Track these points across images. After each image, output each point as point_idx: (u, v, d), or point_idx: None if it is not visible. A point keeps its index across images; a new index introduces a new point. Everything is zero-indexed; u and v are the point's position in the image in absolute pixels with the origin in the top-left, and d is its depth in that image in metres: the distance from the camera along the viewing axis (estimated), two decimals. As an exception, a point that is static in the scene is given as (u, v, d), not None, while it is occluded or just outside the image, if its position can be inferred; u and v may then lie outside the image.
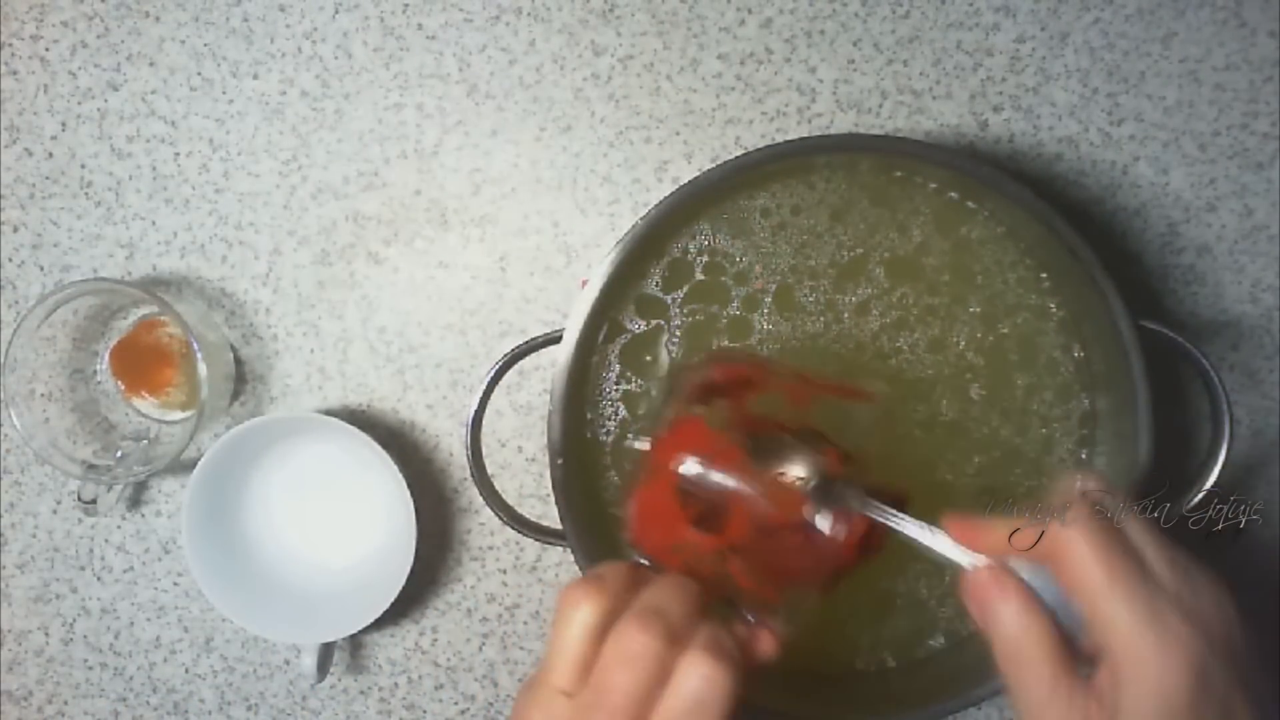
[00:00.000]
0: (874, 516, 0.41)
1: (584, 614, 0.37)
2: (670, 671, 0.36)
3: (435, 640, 0.60)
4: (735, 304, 0.52)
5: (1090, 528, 0.35)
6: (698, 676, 0.35)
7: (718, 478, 0.40)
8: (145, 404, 0.60)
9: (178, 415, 0.60)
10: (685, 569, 0.40)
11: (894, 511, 0.41)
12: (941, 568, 0.53)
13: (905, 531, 0.41)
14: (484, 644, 0.60)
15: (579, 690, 0.37)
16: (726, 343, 0.52)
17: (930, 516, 0.46)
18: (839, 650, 0.53)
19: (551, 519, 0.52)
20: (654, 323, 0.52)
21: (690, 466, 0.40)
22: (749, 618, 0.40)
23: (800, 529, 0.39)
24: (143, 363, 0.59)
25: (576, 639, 0.37)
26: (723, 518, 0.40)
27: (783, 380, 0.43)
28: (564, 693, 0.37)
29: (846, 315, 0.52)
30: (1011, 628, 0.36)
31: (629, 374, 0.52)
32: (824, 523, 0.39)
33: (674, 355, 0.52)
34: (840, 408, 0.42)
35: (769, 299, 0.52)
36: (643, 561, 0.41)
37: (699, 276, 0.52)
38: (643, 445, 0.42)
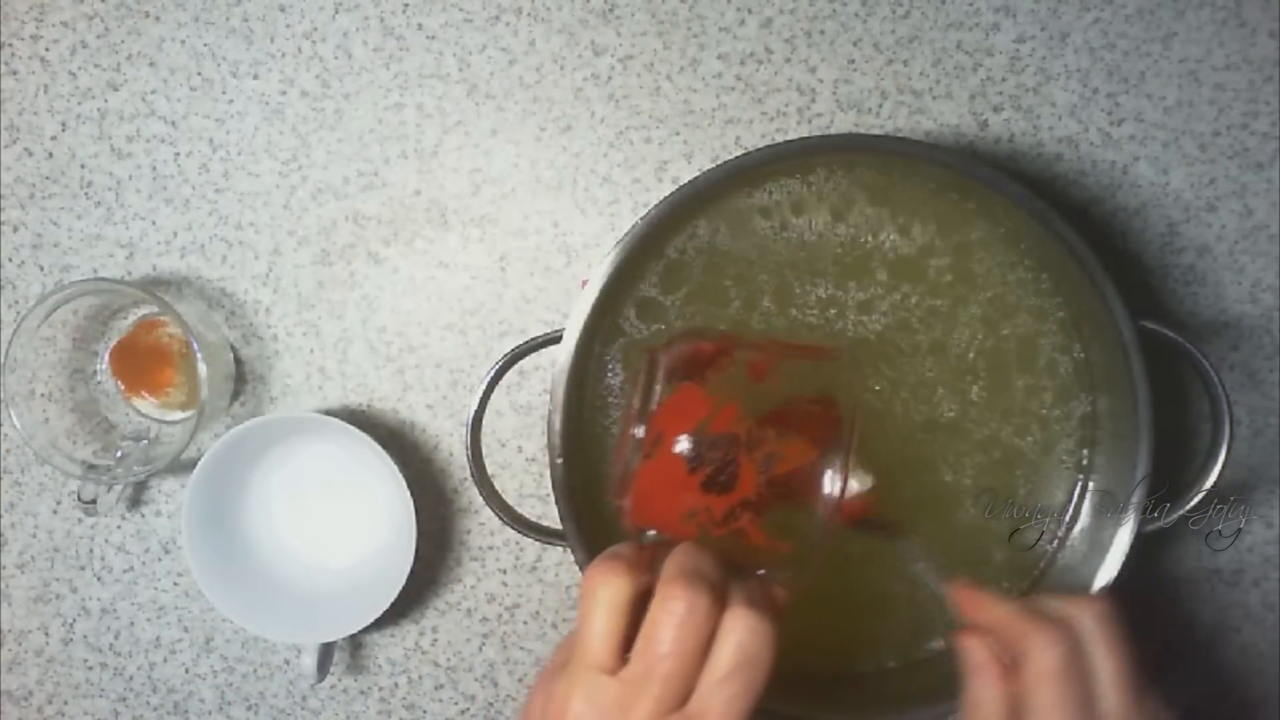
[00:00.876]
0: (902, 552, 0.45)
1: (615, 590, 0.37)
2: (714, 630, 0.36)
3: (435, 640, 0.60)
4: (735, 304, 0.52)
5: (1058, 655, 0.39)
6: (745, 630, 0.36)
7: (721, 437, 0.41)
8: (145, 404, 0.60)
9: (178, 415, 0.60)
10: (699, 535, 0.41)
11: (914, 556, 0.45)
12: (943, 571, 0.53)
13: (921, 571, 0.45)
14: (484, 644, 0.60)
15: (619, 667, 0.36)
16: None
17: (936, 530, 0.47)
18: (839, 651, 0.53)
19: (551, 519, 0.52)
20: (655, 327, 0.52)
21: (693, 432, 0.41)
22: (760, 573, 0.41)
23: (810, 473, 0.41)
24: (143, 363, 0.59)
25: (610, 617, 0.37)
26: (732, 474, 0.40)
27: (747, 350, 0.44)
28: (605, 671, 0.36)
29: (848, 315, 0.52)
30: (985, 699, 0.40)
31: (631, 370, 0.52)
32: (830, 481, 0.40)
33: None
34: (805, 369, 0.44)
35: (768, 299, 0.52)
36: (649, 534, 0.42)
37: (699, 278, 0.52)
38: (639, 432, 0.42)
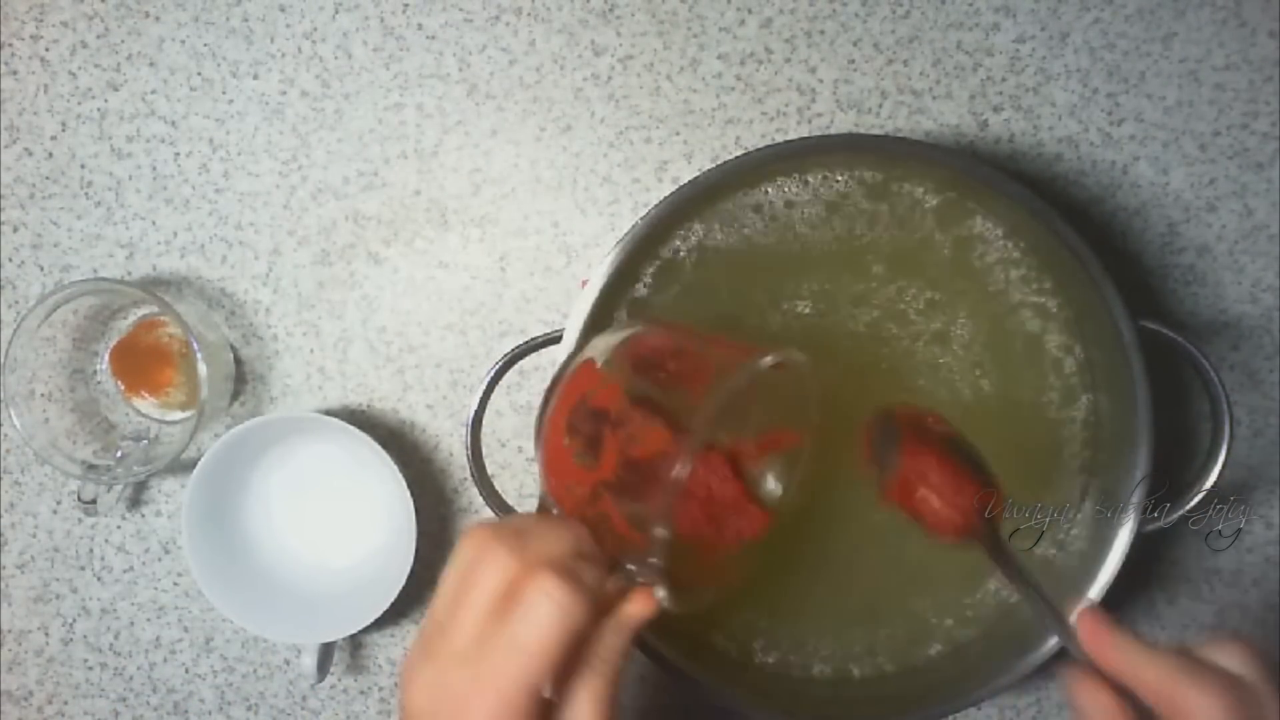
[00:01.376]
0: (1008, 576, 0.41)
1: (469, 547, 0.38)
2: (509, 577, 0.37)
3: (435, 640, 0.60)
4: (725, 299, 0.52)
5: (1226, 707, 0.34)
6: (537, 590, 0.36)
7: (594, 410, 0.40)
8: (145, 404, 0.60)
9: (178, 415, 0.60)
10: (577, 511, 0.41)
11: (1028, 574, 0.40)
12: (938, 582, 0.53)
13: (1028, 595, 0.40)
14: (484, 644, 0.60)
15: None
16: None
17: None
18: (836, 655, 0.53)
19: (551, 519, 0.52)
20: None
21: (574, 404, 0.41)
22: (632, 574, 0.40)
23: (663, 464, 0.38)
24: (143, 363, 0.59)
25: (458, 572, 0.38)
26: (596, 451, 0.40)
27: (694, 344, 0.43)
28: (438, 622, 0.38)
29: (846, 315, 0.52)
30: None
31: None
32: (680, 467, 0.37)
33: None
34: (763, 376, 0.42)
35: (761, 296, 0.52)
36: (553, 511, 0.42)
37: (689, 274, 0.52)
38: (543, 399, 0.43)
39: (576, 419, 0.40)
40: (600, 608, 0.38)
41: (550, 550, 0.38)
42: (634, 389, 0.40)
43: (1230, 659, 0.36)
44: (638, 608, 0.39)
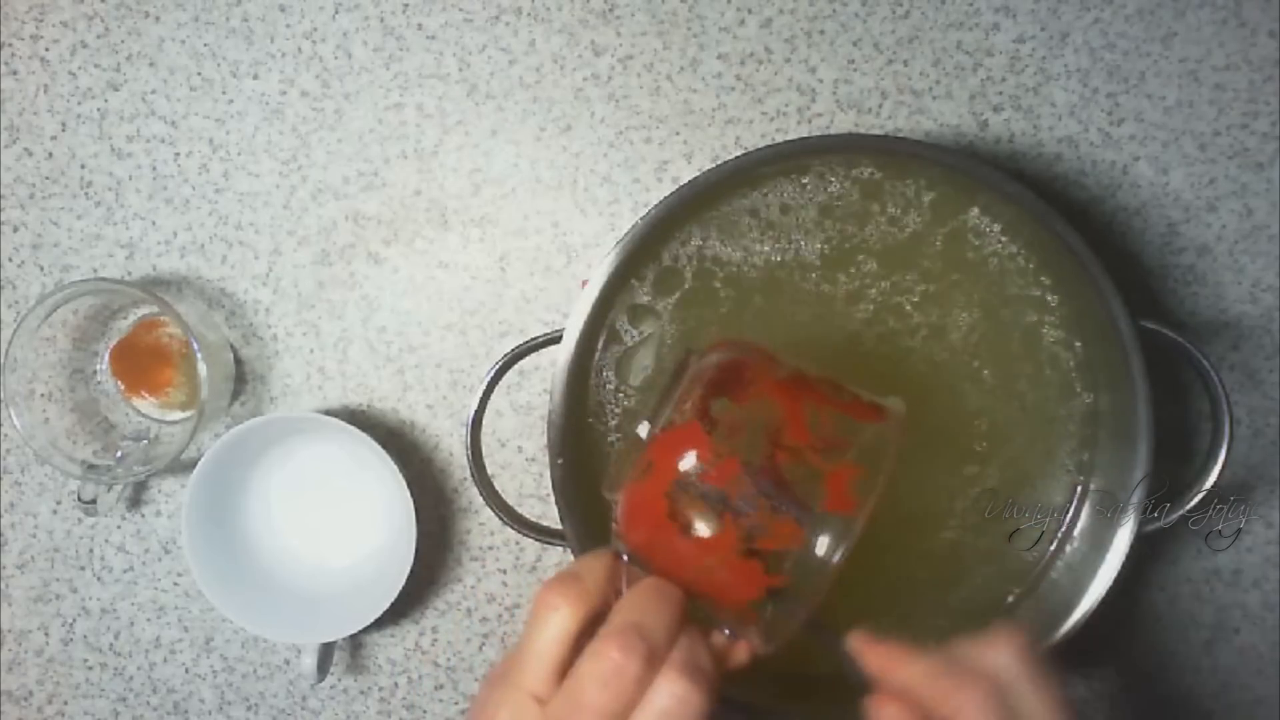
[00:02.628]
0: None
1: (561, 619, 0.36)
2: (645, 687, 0.35)
3: (435, 640, 0.60)
4: (726, 306, 0.52)
5: (988, 714, 0.36)
6: (670, 696, 0.34)
7: (710, 491, 0.37)
8: (145, 404, 0.60)
9: (178, 415, 0.60)
10: (665, 570, 0.38)
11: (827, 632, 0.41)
12: (936, 584, 0.53)
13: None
14: (484, 644, 0.60)
15: (550, 696, 0.36)
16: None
17: (915, 548, 0.43)
18: (831, 652, 0.53)
19: (551, 519, 0.52)
20: (646, 332, 0.52)
21: (681, 478, 0.38)
22: (725, 629, 0.39)
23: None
24: (143, 363, 0.59)
25: (552, 644, 0.36)
26: (710, 532, 0.37)
27: (783, 382, 0.40)
28: (535, 697, 0.36)
29: (841, 315, 0.52)
30: None
31: (627, 376, 0.53)
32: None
33: (666, 359, 0.52)
34: (841, 423, 0.39)
35: (759, 300, 0.52)
36: (624, 555, 0.40)
37: (689, 283, 0.52)
38: (643, 433, 0.39)
39: (683, 499, 0.37)
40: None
41: (667, 639, 0.36)
42: (753, 461, 0.37)
43: (998, 653, 0.38)
44: (738, 660, 0.39)
